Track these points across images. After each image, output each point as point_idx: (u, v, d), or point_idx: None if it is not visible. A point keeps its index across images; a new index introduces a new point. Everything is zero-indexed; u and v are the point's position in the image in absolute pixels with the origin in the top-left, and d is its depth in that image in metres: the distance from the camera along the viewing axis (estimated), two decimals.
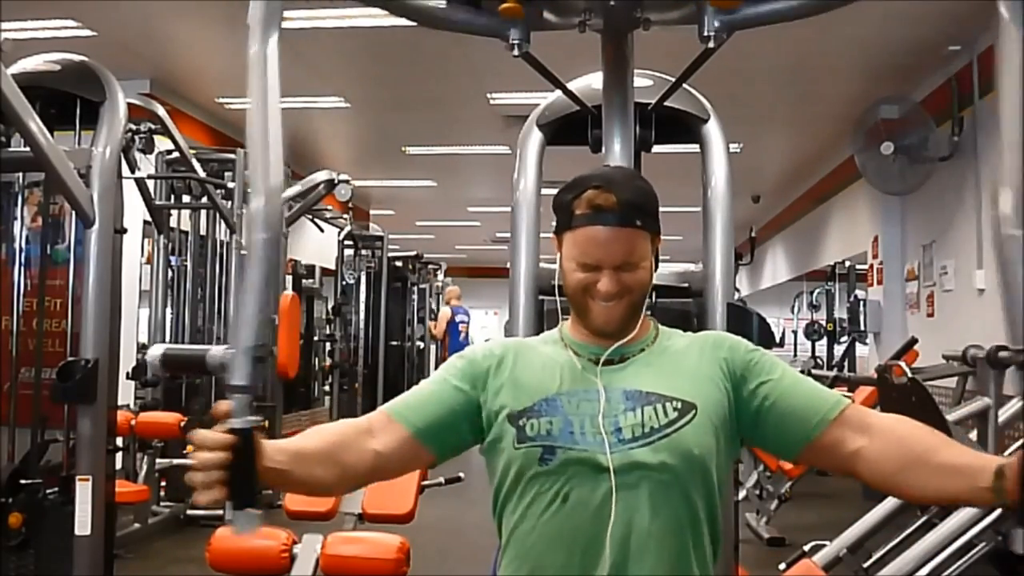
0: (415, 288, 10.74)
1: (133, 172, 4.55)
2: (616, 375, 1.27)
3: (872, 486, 1.22)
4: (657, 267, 1.30)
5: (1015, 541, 2.88)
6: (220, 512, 5.24)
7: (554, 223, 1.29)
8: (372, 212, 12.31)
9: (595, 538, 1.20)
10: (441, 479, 2.90)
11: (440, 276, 12.15)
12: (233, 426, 1.04)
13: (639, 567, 1.20)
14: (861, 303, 7.52)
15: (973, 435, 3.70)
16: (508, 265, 2.05)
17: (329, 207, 8.80)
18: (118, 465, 3.80)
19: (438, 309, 11.59)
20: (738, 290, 7.60)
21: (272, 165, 1.10)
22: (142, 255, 6.20)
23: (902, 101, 5.75)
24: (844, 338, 8.74)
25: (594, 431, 1.22)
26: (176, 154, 5.24)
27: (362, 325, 9.29)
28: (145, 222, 5.76)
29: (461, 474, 3.02)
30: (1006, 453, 3.67)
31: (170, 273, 5.72)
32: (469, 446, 1.30)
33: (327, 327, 9.50)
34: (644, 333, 1.32)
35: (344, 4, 5.04)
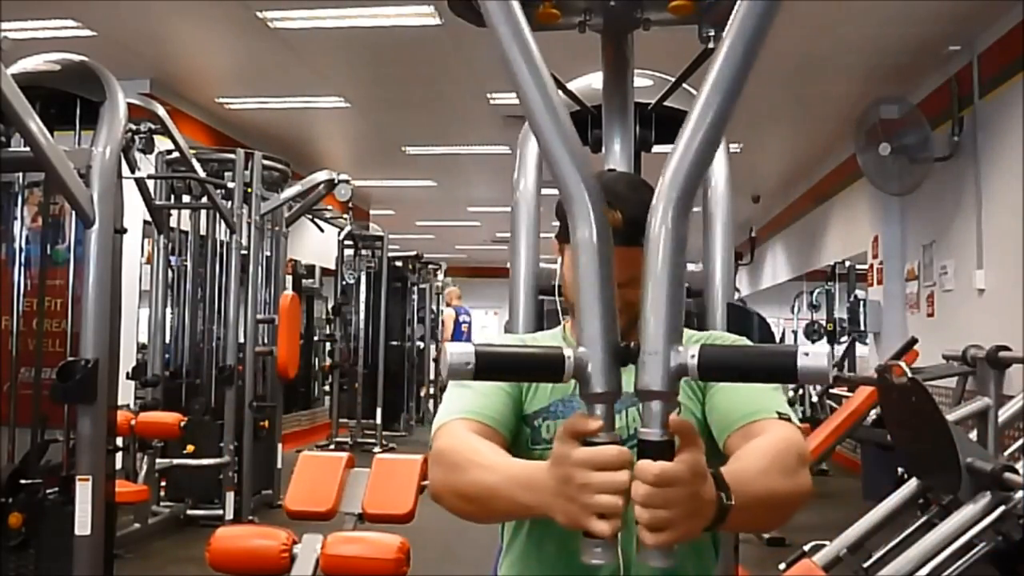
0: (415, 288, 10.74)
1: (133, 172, 4.54)
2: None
3: None
4: None
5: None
6: (220, 512, 5.26)
7: (554, 223, 1.29)
8: (372, 212, 12.31)
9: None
10: None
11: (440, 276, 12.16)
12: (611, 440, 0.89)
13: (640, 569, 1.19)
14: (861, 303, 7.52)
15: (973, 435, 3.70)
16: (508, 265, 2.05)
17: (329, 207, 8.80)
18: (118, 465, 3.80)
19: (438, 309, 11.59)
20: (738, 290, 7.60)
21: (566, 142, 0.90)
22: (142, 255, 6.20)
23: (901, 101, 5.75)
24: (844, 338, 8.73)
25: None
26: (176, 154, 5.24)
27: (362, 325, 9.29)
28: (145, 222, 5.75)
29: None
30: (1006, 454, 3.68)
31: (170, 273, 5.72)
32: None
33: (327, 327, 9.50)
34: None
35: (344, 4, 5.04)
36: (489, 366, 0.89)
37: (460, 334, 10.22)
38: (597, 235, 0.89)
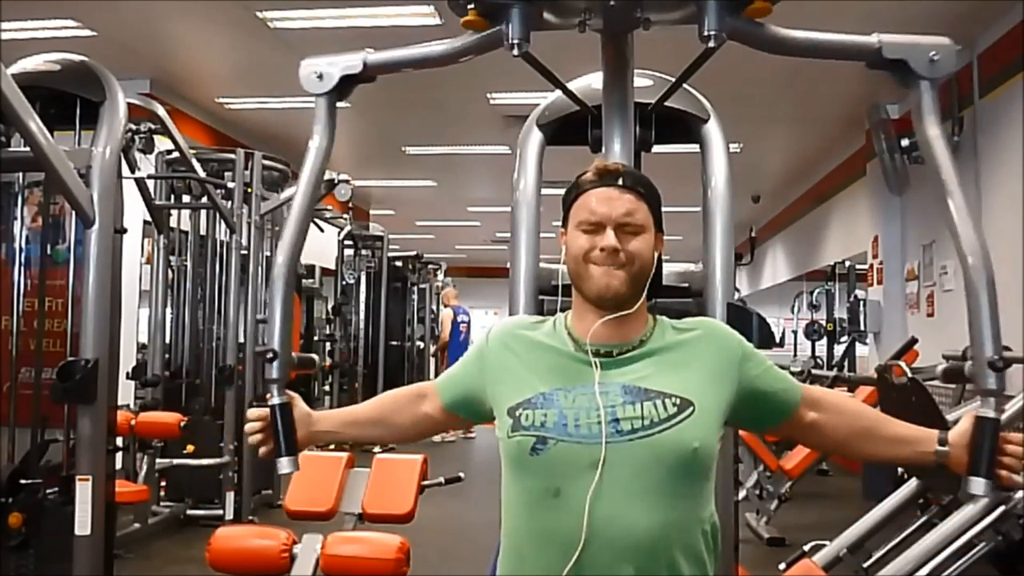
0: (415, 288, 10.73)
1: (133, 172, 4.54)
2: (615, 369, 1.27)
3: (821, 450, 1.41)
4: (661, 268, 1.31)
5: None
6: (220, 512, 5.26)
7: (555, 223, 1.30)
8: (372, 212, 12.32)
9: (586, 535, 1.20)
10: (441, 479, 2.90)
11: (440, 276, 12.15)
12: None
13: (630, 567, 1.19)
14: (861, 303, 7.52)
15: None
16: (508, 265, 2.05)
17: (329, 207, 8.81)
18: (118, 465, 3.80)
19: (438, 309, 11.59)
20: (738, 290, 7.59)
21: None
22: (142, 255, 6.20)
23: (901, 102, 5.75)
24: (844, 338, 8.74)
25: (590, 423, 1.22)
26: (176, 154, 5.23)
27: (362, 325, 9.29)
28: (145, 222, 5.75)
29: (461, 474, 3.01)
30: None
31: (170, 273, 5.72)
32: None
33: (327, 327, 9.50)
34: (643, 327, 1.32)
35: (344, 4, 5.04)
36: None
37: (458, 334, 10.21)
38: None
